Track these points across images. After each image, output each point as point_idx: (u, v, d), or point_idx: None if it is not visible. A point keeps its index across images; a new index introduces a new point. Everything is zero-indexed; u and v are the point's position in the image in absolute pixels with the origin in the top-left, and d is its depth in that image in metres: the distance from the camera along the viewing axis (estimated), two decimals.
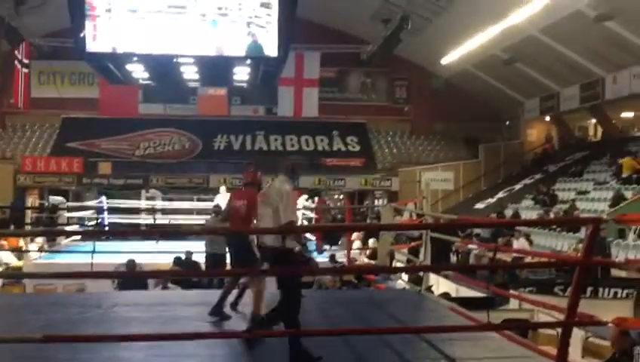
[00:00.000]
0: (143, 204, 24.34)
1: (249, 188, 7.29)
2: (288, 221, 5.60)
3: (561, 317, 5.24)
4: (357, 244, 16.68)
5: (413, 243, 12.16)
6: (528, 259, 13.22)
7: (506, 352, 5.93)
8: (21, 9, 20.12)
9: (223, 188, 19.67)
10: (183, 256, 13.10)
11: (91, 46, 14.26)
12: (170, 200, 24.79)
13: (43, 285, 11.73)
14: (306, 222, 17.67)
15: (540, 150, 27.75)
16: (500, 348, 6.04)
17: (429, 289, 9.53)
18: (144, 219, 21.48)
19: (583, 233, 14.69)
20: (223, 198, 18.84)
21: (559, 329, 5.48)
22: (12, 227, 17.47)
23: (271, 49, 14.23)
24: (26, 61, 23.36)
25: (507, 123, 29.05)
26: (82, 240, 17.40)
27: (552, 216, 18.35)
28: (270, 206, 5.67)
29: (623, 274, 12.69)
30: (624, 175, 19.33)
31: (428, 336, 6.34)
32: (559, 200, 20.27)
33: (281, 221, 5.56)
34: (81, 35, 14.19)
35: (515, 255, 13.90)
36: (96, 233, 18.12)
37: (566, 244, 15.73)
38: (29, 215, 19.15)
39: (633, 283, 12.08)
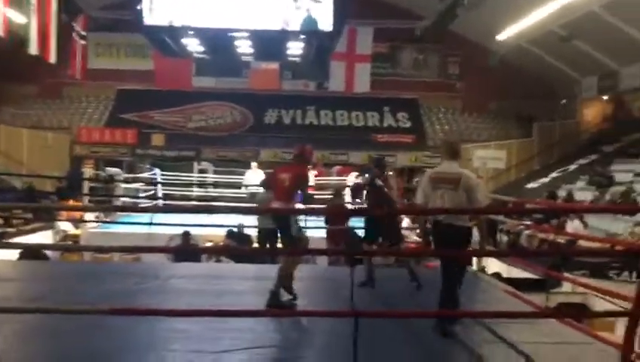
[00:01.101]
0: (195, 176, 24.62)
1: (297, 162, 7.22)
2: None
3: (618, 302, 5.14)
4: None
5: None
6: (582, 242, 13.00)
7: (564, 337, 5.86)
8: None
9: (254, 165, 19.79)
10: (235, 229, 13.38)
11: (148, 19, 14.49)
12: (221, 173, 25.01)
13: (100, 254, 12.06)
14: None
15: (597, 130, 27.04)
16: (557, 333, 5.97)
17: (482, 270, 9.47)
18: (196, 192, 21.72)
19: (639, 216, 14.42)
20: (253, 174, 19.01)
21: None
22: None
23: (326, 24, 14.24)
24: (83, 33, 23.73)
25: (563, 102, 28.33)
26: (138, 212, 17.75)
27: (607, 197, 17.97)
28: (465, 191, 5.96)
29: None
30: None
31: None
32: (615, 182, 19.78)
33: (480, 204, 6.08)
34: (139, 7, 14.43)
35: (568, 238, 13.72)
36: (153, 209, 18.55)
37: (621, 227, 15.36)
38: (86, 185, 19.54)
39: None
